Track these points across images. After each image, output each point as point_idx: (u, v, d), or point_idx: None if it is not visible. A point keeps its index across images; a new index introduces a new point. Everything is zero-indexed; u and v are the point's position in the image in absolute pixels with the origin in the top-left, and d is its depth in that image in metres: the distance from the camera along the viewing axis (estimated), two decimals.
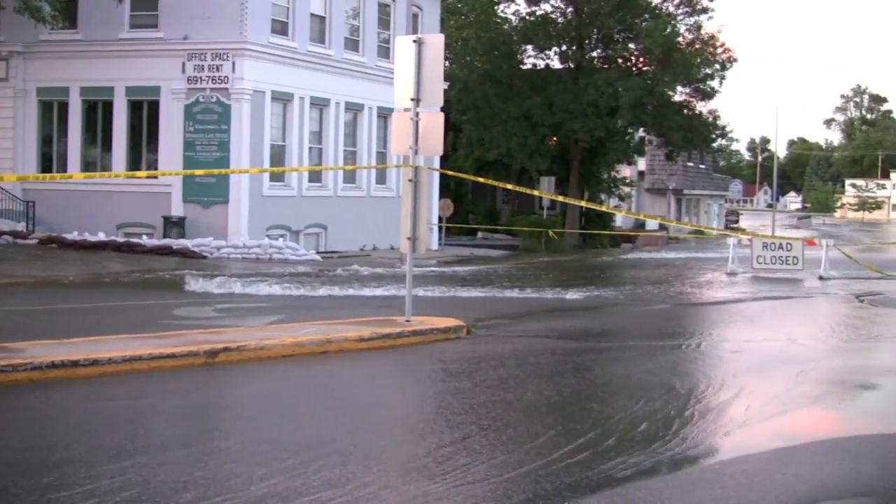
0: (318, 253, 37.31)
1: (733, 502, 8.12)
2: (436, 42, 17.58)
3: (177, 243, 33.65)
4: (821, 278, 34.58)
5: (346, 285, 26.61)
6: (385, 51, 41.74)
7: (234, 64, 35.40)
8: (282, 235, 37.08)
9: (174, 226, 34.99)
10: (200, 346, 13.86)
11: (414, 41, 17.25)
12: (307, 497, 7.80)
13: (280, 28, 37.47)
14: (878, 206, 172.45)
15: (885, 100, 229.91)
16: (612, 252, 55.06)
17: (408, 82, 17.14)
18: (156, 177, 35.08)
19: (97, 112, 37.71)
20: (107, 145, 37.44)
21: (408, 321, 17.23)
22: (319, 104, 39.73)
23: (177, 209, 35.64)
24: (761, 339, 19.21)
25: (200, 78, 35.58)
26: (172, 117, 35.99)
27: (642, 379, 13.78)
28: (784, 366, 15.58)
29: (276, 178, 37.74)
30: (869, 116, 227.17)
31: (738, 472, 9.01)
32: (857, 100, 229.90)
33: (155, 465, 8.52)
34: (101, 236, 33.89)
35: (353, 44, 41.65)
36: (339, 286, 26.29)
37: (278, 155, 37.58)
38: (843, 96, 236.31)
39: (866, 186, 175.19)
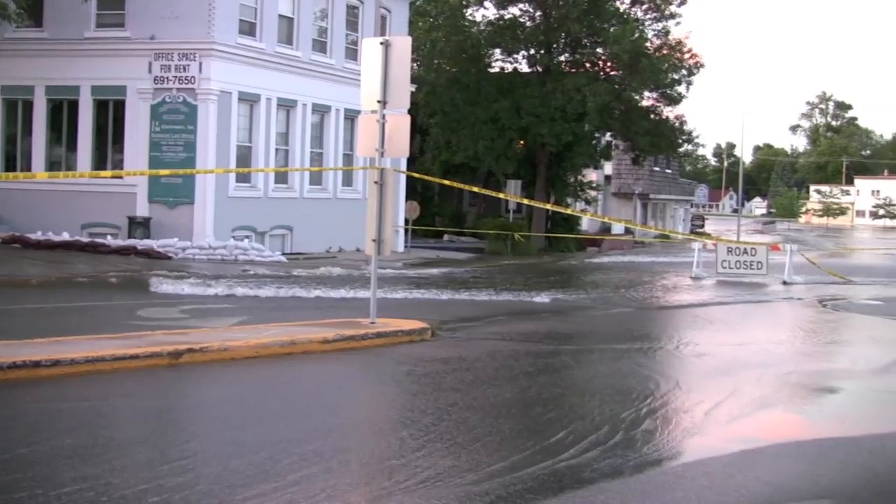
0: (283, 254, 37.21)
1: None
2: (403, 44, 17.59)
3: (142, 244, 33.48)
4: (785, 283, 34.82)
5: (312, 287, 26.55)
6: (353, 52, 41.60)
7: (200, 64, 35.24)
8: (247, 236, 36.94)
9: (139, 226, 34.79)
10: (164, 347, 13.81)
11: (381, 43, 17.26)
12: (271, 498, 7.79)
13: (248, 29, 37.33)
14: (842, 211, 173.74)
15: (849, 107, 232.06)
16: (578, 255, 55.19)
17: (374, 84, 17.15)
18: (121, 177, 34.89)
19: (62, 111, 37.47)
20: (72, 145, 37.20)
21: (372, 323, 17.24)
22: (286, 105, 39.63)
23: (142, 209, 35.44)
24: (725, 342, 19.32)
25: (167, 78, 35.41)
26: (138, 117, 35.78)
27: (606, 382, 13.83)
28: (747, 369, 15.69)
29: (242, 178, 37.59)
30: (834, 123, 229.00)
31: (699, 475, 9.07)
32: (823, 106, 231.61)
33: (117, 467, 8.49)
34: (66, 236, 33.68)
35: (320, 45, 41.55)
36: (304, 288, 26.23)
37: (245, 156, 37.43)
38: (808, 103, 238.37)
39: (830, 192, 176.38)
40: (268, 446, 9.38)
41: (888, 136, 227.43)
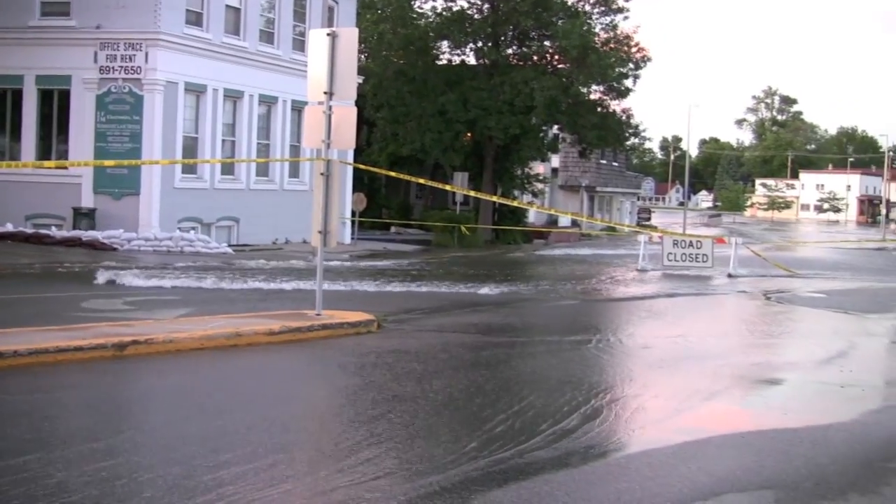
0: (229, 246, 37.05)
1: (637, 495, 8.23)
2: (349, 35, 17.57)
3: (87, 235, 33.25)
4: (730, 276, 35.03)
5: (258, 278, 26.47)
6: (300, 44, 41.44)
7: (147, 54, 35.04)
8: (193, 228, 36.76)
9: (84, 217, 34.54)
10: (108, 339, 13.72)
11: (328, 34, 17.23)
12: (215, 491, 7.77)
13: (194, 19, 37.13)
14: (787, 205, 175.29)
15: (795, 101, 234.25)
16: (525, 248, 55.29)
17: (321, 75, 17.12)
18: (65, 167, 34.57)
19: (6, 101, 37.10)
20: (16, 135, 36.86)
21: (318, 315, 17.22)
22: (233, 96, 39.47)
23: (87, 200, 35.19)
24: (670, 335, 19.43)
25: (113, 68, 35.17)
26: (84, 107, 35.53)
27: (551, 374, 13.88)
28: (692, 361, 15.82)
29: (189, 170, 37.42)
30: (779, 117, 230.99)
31: (643, 466, 9.14)
32: (768, 101, 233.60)
33: (59, 460, 8.43)
34: (10, 227, 33.37)
35: (268, 36, 41.42)
36: (250, 279, 26.14)
37: (191, 147, 37.26)
38: (754, 97, 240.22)
39: (776, 186, 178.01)
40: (212, 438, 9.36)
41: (833, 131, 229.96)
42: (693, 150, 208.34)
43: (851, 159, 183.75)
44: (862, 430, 11.19)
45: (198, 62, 36.91)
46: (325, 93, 17.06)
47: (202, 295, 22.53)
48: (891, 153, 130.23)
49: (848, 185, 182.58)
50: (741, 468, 9.21)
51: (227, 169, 39.55)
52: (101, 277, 24.66)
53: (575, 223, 70.45)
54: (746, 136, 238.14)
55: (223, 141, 39.06)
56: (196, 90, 37.38)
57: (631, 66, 56.79)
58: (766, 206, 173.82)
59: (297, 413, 11.31)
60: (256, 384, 12.85)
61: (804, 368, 15.91)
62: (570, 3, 57.32)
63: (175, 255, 32.91)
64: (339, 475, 8.37)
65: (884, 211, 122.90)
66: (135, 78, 35.09)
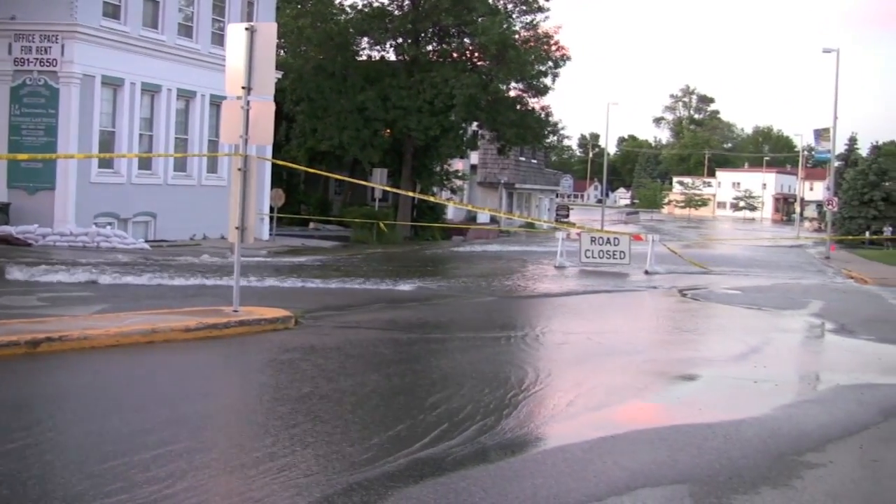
0: (146, 241, 36.73)
1: (553, 490, 8.28)
2: (268, 30, 17.51)
3: (0, 230, 32.79)
4: (646, 273, 35.39)
5: (175, 275, 26.25)
6: (220, 38, 41.13)
7: (63, 46, 34.63)
8: (110, 223, 36.41)
9: None
10: (21, 336, 13.53)
11: (246, 28, 17.15)
12: (130, 491, 7.71)
13: (112, 11, 36.72)
14: (703, 203, 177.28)
15: (712, 100, 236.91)
16: (443, 244, 55.37)
17: (239, 70, 17.05)
18: None
19: None
20: None
21: (235, 311, 17.14)
22: (151, 90, 39.11)
23: (0, 195, 34.71)
24: (586, 331, 19.56)
25: (28, 60, 34.72)
26: None
27: (468, 370, 13.91)
28: (607, 357, 15.95)
29: (105, 164, 37.04)
30: (697, 116, 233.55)
31: (559, 461, 9.20)
32: (686, 100, 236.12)
33: None
34: None
35: (186, 30, 41.09)
36: (167, 275, 25.92)
37: (108, 141, 36.88)
38: (672, 96, 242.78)
39: (693, 184, 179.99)
40: (128, 436, 9.29)
41: (749, 130, 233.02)
42: (611, 148, 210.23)
43: (767, 158, 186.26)
44: (774, 424, 11.36)
45: (115, 55, 36.52)
46: (244, 87, 16.99)
47: (118, 291, 22.31)
48: (805, 153, 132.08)
49: (764, 184, 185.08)
50: (655, 463, 9.32)
51: (145, 164, 39.21)
52: (15, 273, 24.35)
53: (494, 220, 70.72)
54: (664, 135, 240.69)
55: (140, 135, 38.69)
56: (113, 83, 36.99)
57: (550, 64, 57.14)
58: (683, 204, 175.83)
59: (213, 410, 11.25)
60: (172, 381, 12.76)
61: (719, 364, 16.11)
62: (490, 2, 57.43)
63: (91, 251, 32.54)
64: (255, 472, 8.35)
65: (798, 209, 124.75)
66: (50, 70, 34.69)
